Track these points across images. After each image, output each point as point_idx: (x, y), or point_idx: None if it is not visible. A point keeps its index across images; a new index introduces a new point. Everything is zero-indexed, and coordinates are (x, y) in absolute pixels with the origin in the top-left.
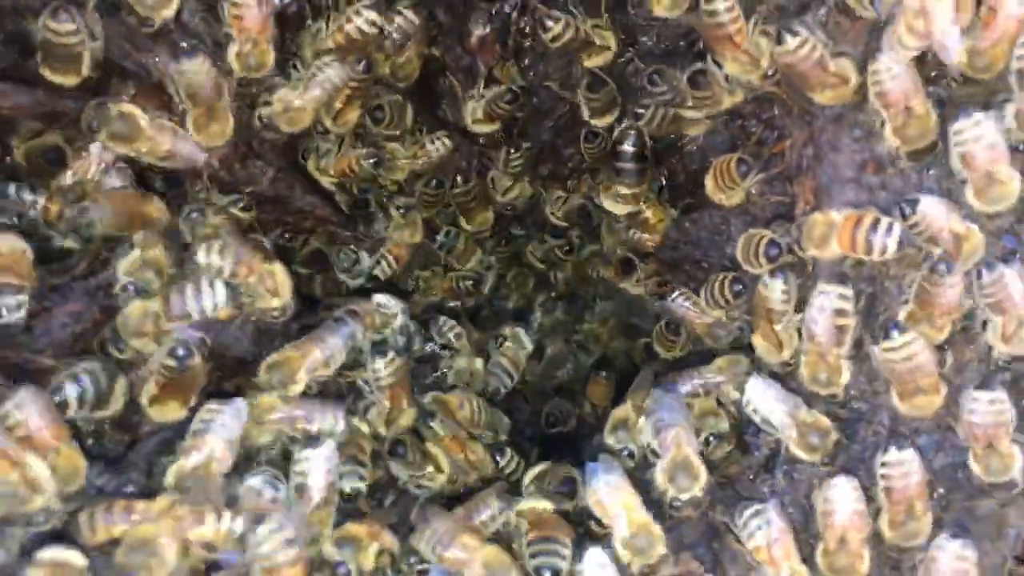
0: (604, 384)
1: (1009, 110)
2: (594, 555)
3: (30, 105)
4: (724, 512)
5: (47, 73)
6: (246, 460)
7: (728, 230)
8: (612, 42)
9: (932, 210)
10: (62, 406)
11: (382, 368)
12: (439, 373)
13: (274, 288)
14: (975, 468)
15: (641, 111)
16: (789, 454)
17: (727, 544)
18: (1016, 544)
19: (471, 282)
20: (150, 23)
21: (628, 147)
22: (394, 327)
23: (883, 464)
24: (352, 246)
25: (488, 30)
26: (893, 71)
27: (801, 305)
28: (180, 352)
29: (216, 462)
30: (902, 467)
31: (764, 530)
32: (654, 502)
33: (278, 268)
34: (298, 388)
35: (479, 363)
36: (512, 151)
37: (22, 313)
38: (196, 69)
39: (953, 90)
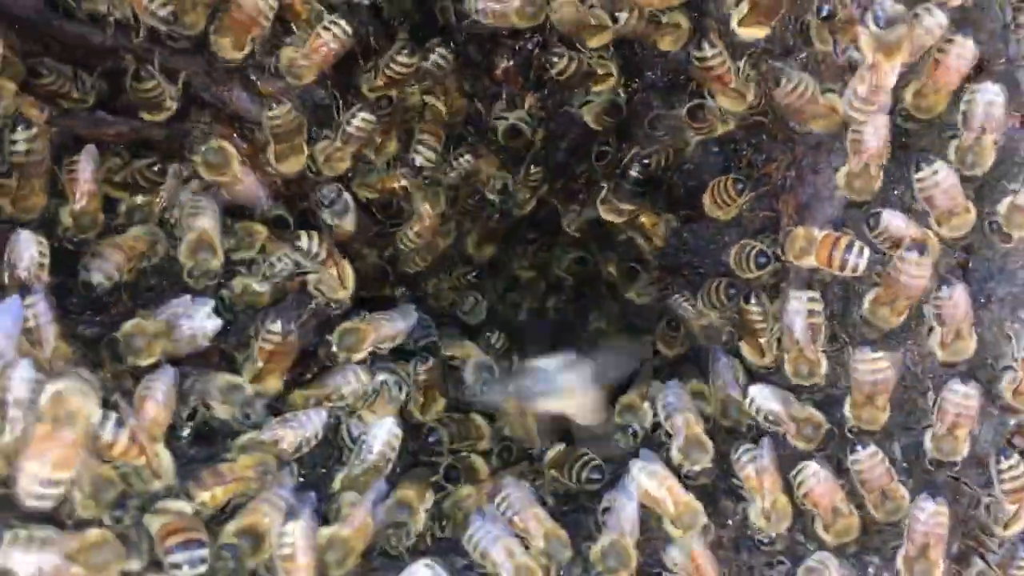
0: None
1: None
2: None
3: (127, 132)
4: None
5: (143, 113)
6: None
7: (722, 240)
8: (614, 69)
9: (894, 221)
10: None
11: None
12: None
13: (345, 279)
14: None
15: (647, 159)
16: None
17: (720, 509)
18: None
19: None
20: (229, 62)
21: (634, 173)
22: None
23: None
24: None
25: (511, 63)
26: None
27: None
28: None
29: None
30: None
31: (755, 463)
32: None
33: (347, 263)
34: (360, 356)
35: None
36: (532, 167)
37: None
38: (283, 114)
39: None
